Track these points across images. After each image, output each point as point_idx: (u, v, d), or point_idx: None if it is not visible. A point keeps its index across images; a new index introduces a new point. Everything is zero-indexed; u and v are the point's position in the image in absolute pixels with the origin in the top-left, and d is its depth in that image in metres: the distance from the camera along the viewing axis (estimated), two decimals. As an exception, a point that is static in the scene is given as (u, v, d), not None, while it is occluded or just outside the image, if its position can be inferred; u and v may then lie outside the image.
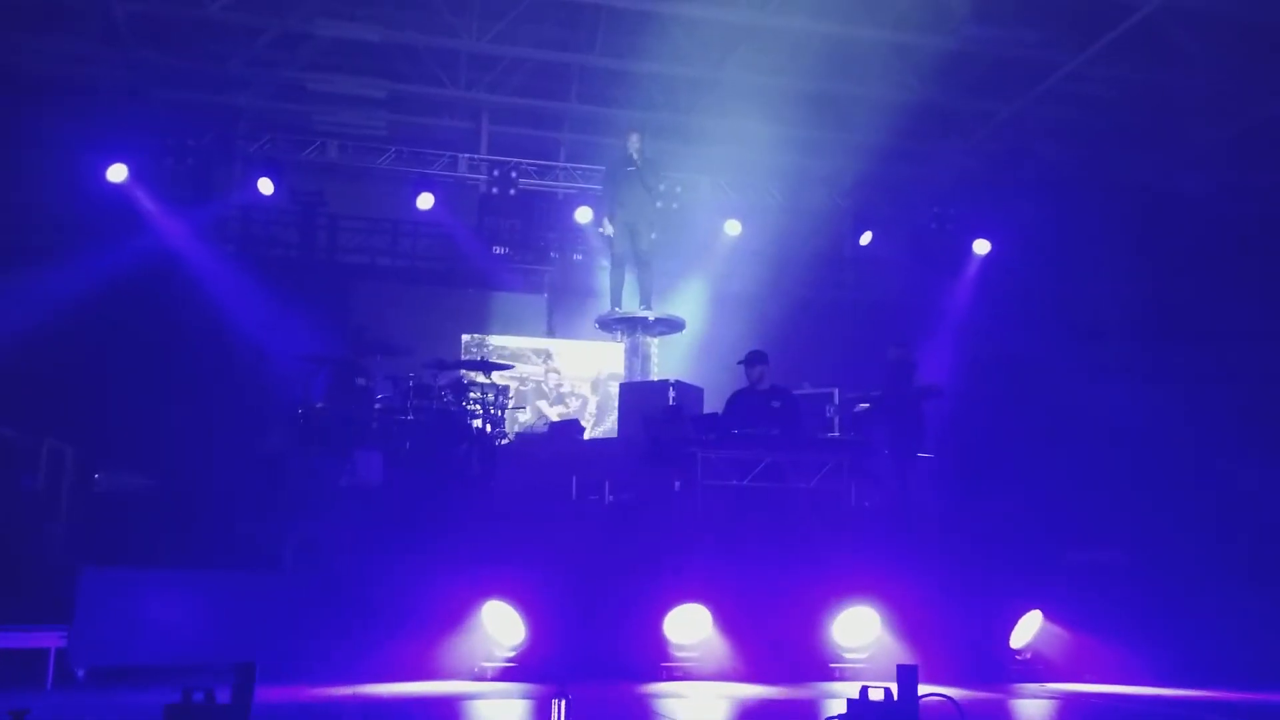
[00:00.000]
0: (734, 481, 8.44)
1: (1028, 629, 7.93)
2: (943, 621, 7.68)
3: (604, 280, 11.61)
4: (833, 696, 6.68)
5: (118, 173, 11.69)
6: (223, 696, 4.08)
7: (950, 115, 12.60)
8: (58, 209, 11.06)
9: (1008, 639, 7.87)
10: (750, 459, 8.49)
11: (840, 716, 4.27)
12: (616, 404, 10.78)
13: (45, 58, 11.05)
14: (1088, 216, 12.54)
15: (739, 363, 9.26)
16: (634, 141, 10.88)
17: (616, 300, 11.18)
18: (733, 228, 13.35)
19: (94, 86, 11.46)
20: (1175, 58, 11.12)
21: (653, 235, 11.21)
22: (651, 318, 11.12)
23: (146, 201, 11.83)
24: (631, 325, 11.26)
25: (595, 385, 13.19)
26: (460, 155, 13.10)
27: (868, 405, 9.92)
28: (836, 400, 10.12)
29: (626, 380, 11.32)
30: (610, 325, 11.46)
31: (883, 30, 10.90)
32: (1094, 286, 12.67)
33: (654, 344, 11.47)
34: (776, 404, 9.00)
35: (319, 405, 9.46)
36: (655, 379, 11.01)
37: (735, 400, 9.17)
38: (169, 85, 11.67)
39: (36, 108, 10.95)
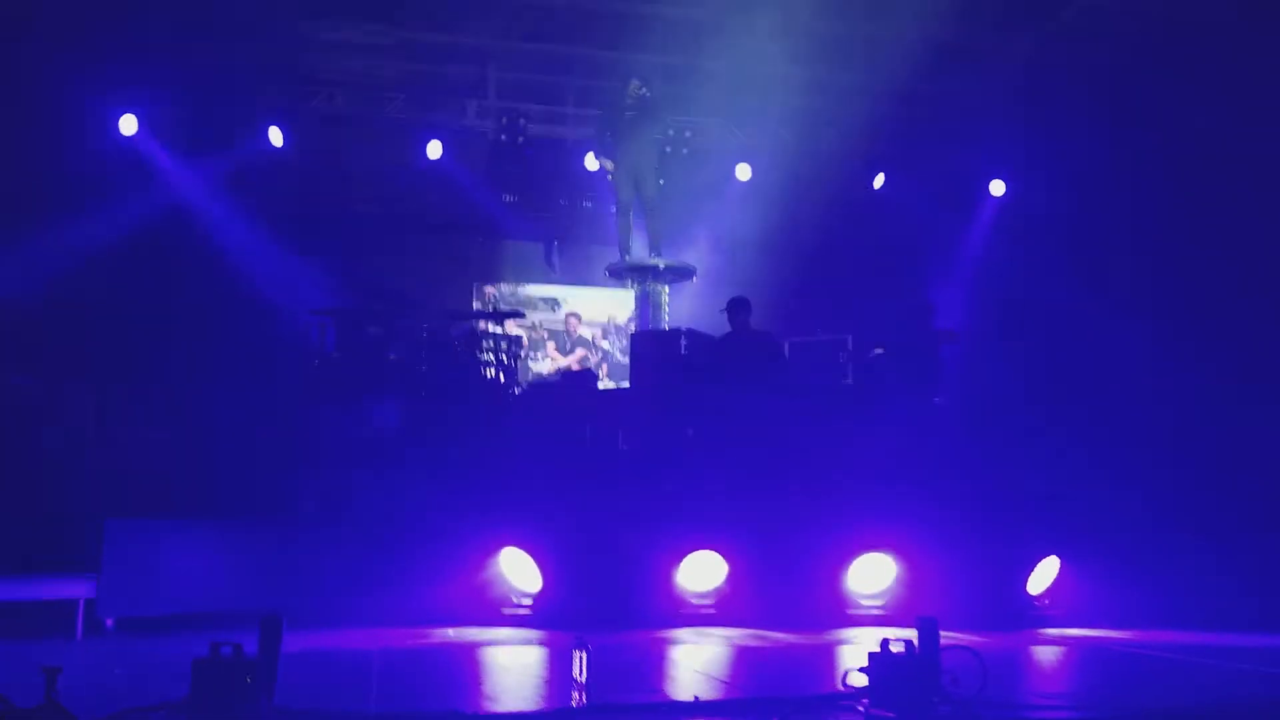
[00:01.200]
0: (744, 428, 8.48)
1: (1045, 575, 7.98)
2: (959, 568, 7.74)
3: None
4: (850, 644, 6.77)
5: (128, 124, 11.65)
6: (250, 649, 4.14)
7: (965, 53, 12.36)
8: (69, 160, 10.98)
9: (1025, 585, 7.92)
10: (762, 406, 8.51)
11: (861, 669, 4.31)
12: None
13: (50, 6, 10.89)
14: (1106, 155, 12.36)
15: (721, 310, 9.27)
16: (634, 87, 10.78)
17: (625, 248, 11.15)
18: (743, 171, 13.25)
19: (99, 37, 11.30)
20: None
21: (660, 181, 11.13)
22: (661, 265, 11.09)
23: (157, 153, 11.78)
24: (642, 273, 11.23)
25: (607, 331, 13.22)
26: (468, 102, 12.97)
27: (881, 351, 9.90)
28: (850, 347, 10.11)
29: (639, 328, 11.32)
30: (620, 273, 11.44)
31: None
32: (1113, 228, 12.53)
33: (665, 291, 11.44)
34: (762, 347, 9.04)
35: (333, 356, 9.50)
36: (667, 327, 11.00)
37: (719, 346, 9.19)
38: (177, 35, 11.50)
39: (43, 59, 10.84)
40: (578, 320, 13.60)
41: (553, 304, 13.41)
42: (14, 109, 10.66)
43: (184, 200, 11.80)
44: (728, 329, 9.20)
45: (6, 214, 10.39)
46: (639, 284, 11.43)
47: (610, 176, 11.24)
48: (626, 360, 11.40)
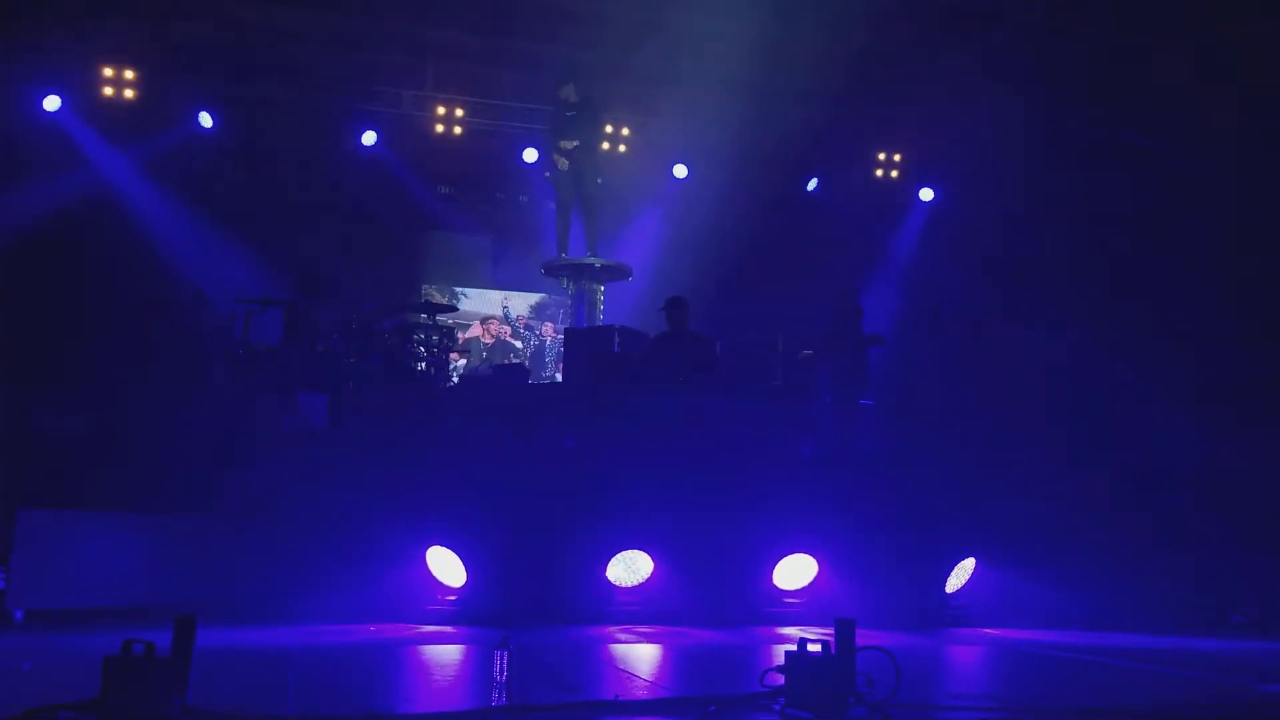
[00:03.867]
0: (673, 428, 8.54)
1: (962, 575, 8.15)
2: (879, 567, 7.87)
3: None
4: (772, 642, 6.86)
5: (52, 103, 11.38)
6: (164, 647, 4.07)
7: (899, 62, 12.56)
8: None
9: (943, 585, 8.08)
10: (692, 406, 8.58)
11: (777, 668, 4.38)
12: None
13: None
14: (1032, 165, 12.66)
15: (659, 309, 9.33)
16: (568, 90, 10.85)
17: (562, 246, 11.16)
18: (680, 171, 13.31)
19: (27, 14, 11.00)
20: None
21: (599, 180, 11.17)
22: (598, 264, 11.11)
23: (82, 134, 11.51)
24: (578, 272, 11.24)
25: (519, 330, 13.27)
26: (404, 92, 12.85)
27: (810, 353, 10.02)
28: (780, 348, 10.21)
29: (573, 325, 11.33)
30: (556, 271, 11.43)
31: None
32: (1037, 236, 12.84)
33: (600, 290, 11.47)
34: (698, 347, 9.12)
35: (261, 346, 9.35)
36: (601, 324, 11.03)
37: (656, 344, 9.25)
38: (106, 14, 11.24)
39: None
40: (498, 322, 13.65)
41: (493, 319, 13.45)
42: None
43: (109, 183, 11.58)
44: (664, 328, 9.26)
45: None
46: (573, 283, 11.43)
47: (548, 174, 11.25)
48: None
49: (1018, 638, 7.48)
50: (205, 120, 12.02)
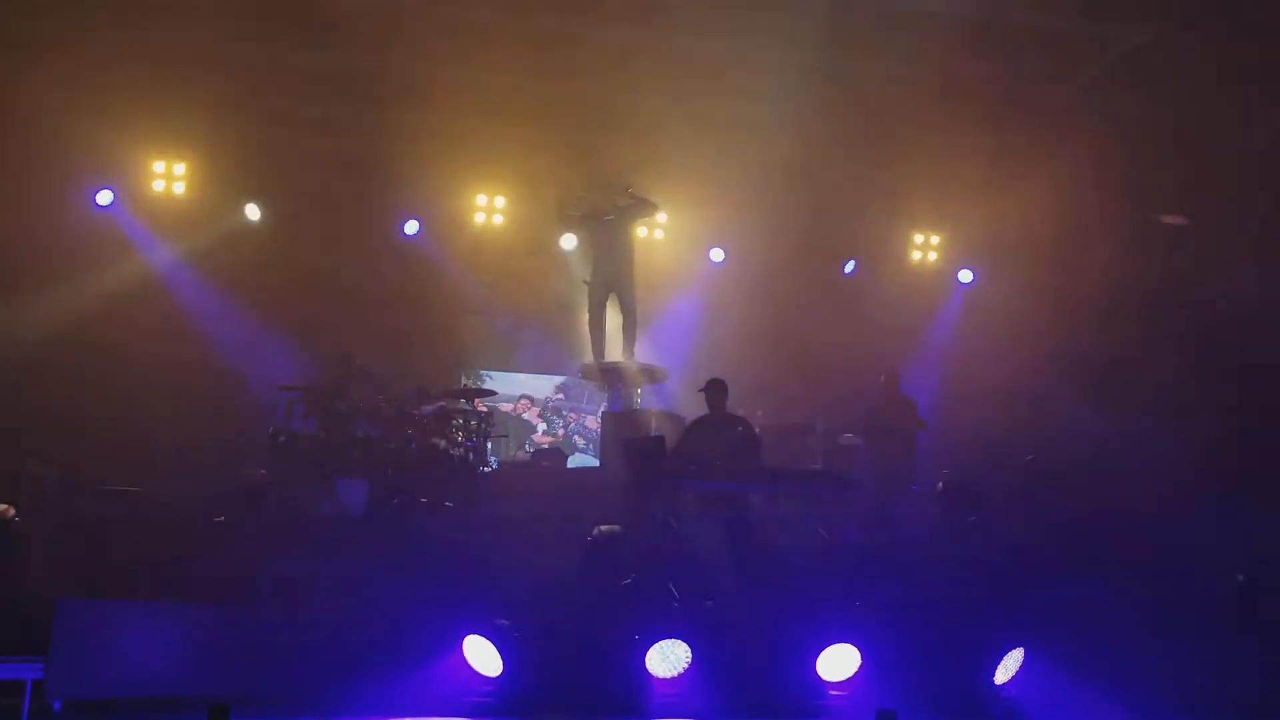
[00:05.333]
0: (715, 514, 8.43)
1: (1011, 666, 7.91)
2: (925, 657, 7.66)
3: (584, 321, 11.46)
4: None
5: (104, 197, 11.73)
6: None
7: (931, 145, 12.64)
8: (43, 233, 11.03)
9: (991, 676, 7.84)
10: (732, 491, 8.48)
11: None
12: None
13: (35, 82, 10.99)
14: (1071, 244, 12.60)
15: (699, 390, 9.27)
16: (608, 191, 10.88)
17: (598, 350, 11.10)
18: (716, 255, 13.39)
19: (82, 110, 11.40)
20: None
21: (634, 289, 11.14)
22: (636, 369, 11.01)
23: (132, 227, 11.83)
24: (615, 376, 11.18)
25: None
26: (446, 181, 13.07)
27: (853, 436, 9.94)
28: (819, 431, 10.13)
29: (610, 408, 11.30)
30: (593, 376, 11.41)
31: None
32: (1081, 316, 12.71)
33: (637, 390, 11.37)
34: (738, 430, 9.02)
35: (300, 433, 9.43)
36: (638, 408, 10.99)
37: (695, 427, 9.16)
38: (153, 111, 11.61)
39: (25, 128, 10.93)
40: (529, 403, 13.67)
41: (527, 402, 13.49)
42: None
43: (156, 275, 11.83)
44: (699, 411, 9.19)
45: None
46: (610, 387, 11.39)
47: (585, 280, 11.26)
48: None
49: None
50: (251, 212, 12.32)
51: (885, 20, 10.52)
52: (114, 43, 10.64)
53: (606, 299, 11.06)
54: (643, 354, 11.24)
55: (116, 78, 10.75)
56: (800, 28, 10.30)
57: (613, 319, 11.16)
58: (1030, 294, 12.69)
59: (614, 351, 11.08)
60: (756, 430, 9.26)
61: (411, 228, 12.82)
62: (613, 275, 10.97)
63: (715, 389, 9.15)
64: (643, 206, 11.10)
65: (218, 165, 12.25)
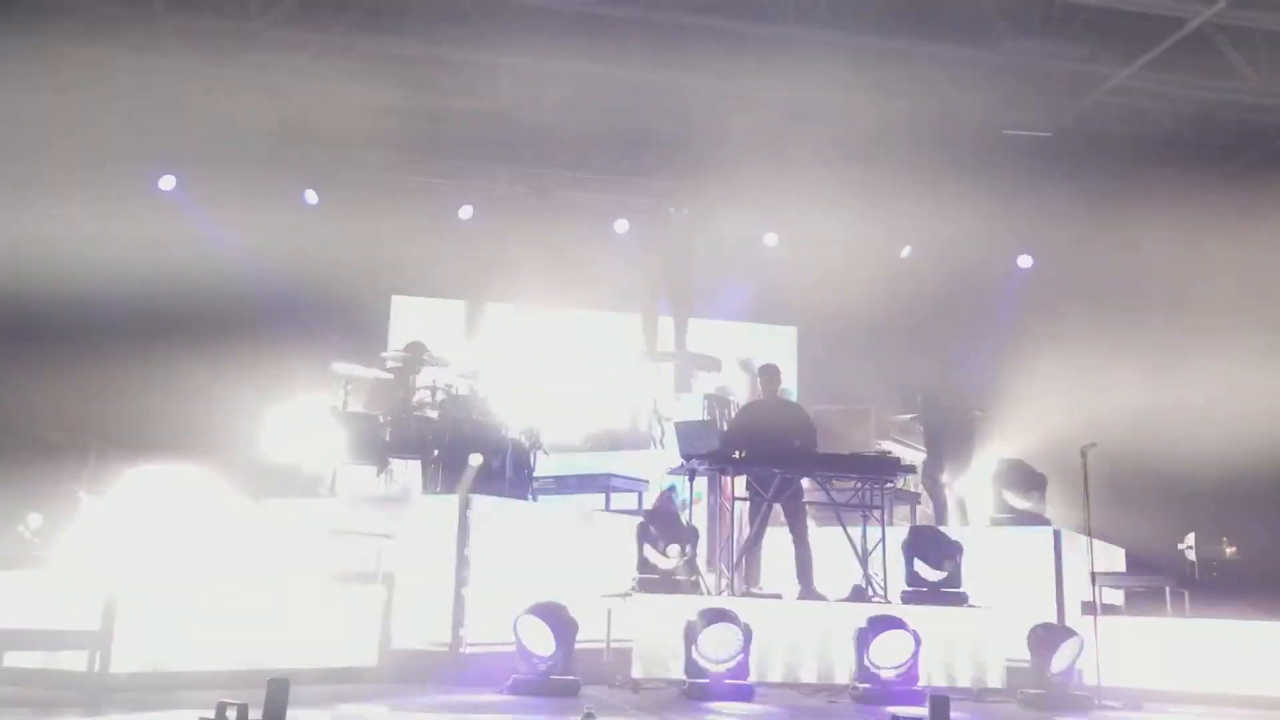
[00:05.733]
0: (767, 497, 8.44)
1: (1069, 654, 7.81)
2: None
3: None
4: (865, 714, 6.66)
5: (167, 182, 11.96)
6: (256, 712, 4.12)
7: (992, 129, 12.49)
8: (110, 218, 11.25)
9: (1048, 662, 7.76)
10: (788, 475, 8.47)
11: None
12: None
13: (97, 66, 11.21)
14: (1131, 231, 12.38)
15: (755, 376, 9.27)
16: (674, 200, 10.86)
17: (650, 341, 11.14)
18: (770, 239, 13.34)
19: (144, 95, 11.60)
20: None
21: (688, 288, 11.12)
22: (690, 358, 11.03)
23: (193, 209, 12.05)
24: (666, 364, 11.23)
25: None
26: (499, 166, 13.16)
27: (910, 418, 9.87)
28: (874, 418, 10.08)
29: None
30: (649, 365, 11.47)
31: (920, 42, 10.85)
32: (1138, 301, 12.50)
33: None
34: (792, 415, 8.98)
35: (358, 413, 9.57)
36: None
37: (747, 411, 9.15)
38: (216, 96, 11.80)
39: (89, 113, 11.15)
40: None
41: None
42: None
43: (218, 257, 12.03)
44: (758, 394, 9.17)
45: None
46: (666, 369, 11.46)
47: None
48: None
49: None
50: (311, 197, 12.50)
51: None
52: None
53: (659, 296, 11.12)
54: (695, 342, 11.28)
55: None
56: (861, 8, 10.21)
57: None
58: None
59: (667, 341, 11.15)
60: (810, 415, 9.22)
61: (465, 212, 12.93)
62: (671, 269, 11.05)
63: (768, 373, 9.14)
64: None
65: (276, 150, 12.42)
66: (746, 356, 11.00)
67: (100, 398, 10.37)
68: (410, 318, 12.96)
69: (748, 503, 8.76)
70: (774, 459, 8.38)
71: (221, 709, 4.08)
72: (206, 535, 8.65)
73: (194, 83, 11.34)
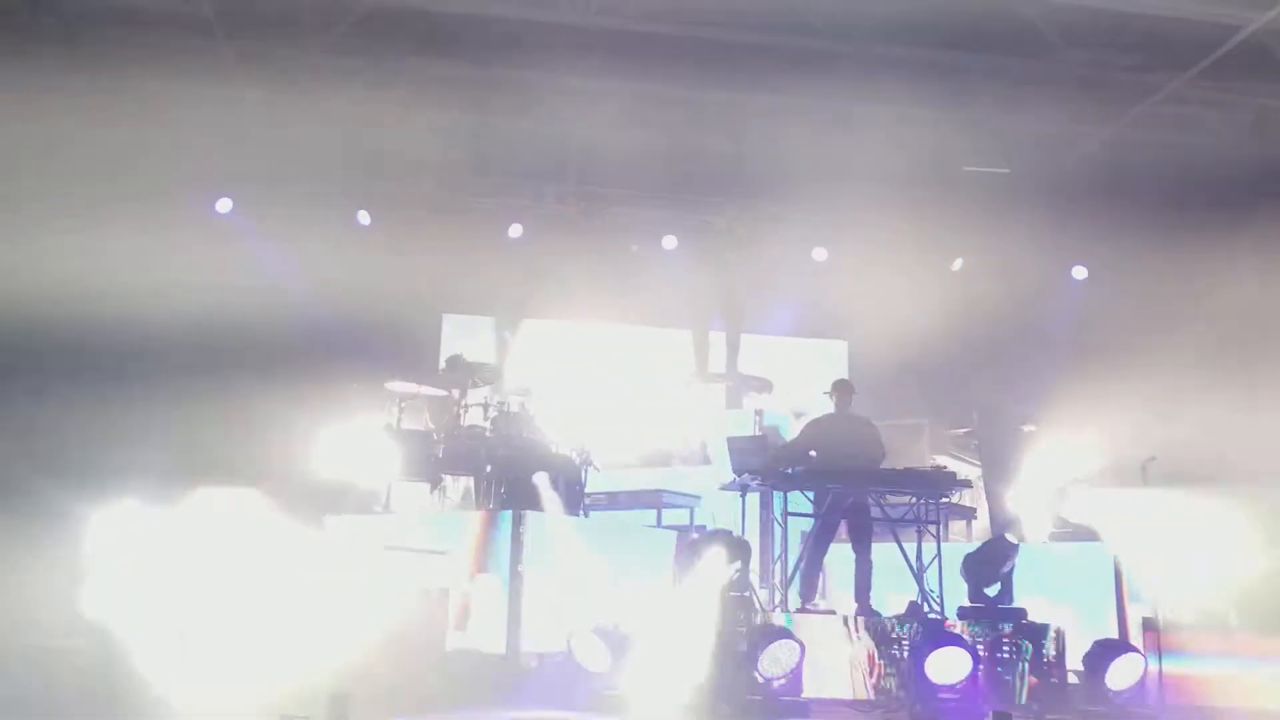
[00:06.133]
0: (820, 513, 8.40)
1: (1128, 672, 7.68)
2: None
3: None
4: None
5: (224, 205, 12.19)
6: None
7: (1046, 142, 12.38)
8: (169, 243, 11.48)
9: (1102, 678, 7.64)
10: (839, 490, 8.43)
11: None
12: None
13: (158, 95, 11.45)
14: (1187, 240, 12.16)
15: (824, 393, 9.21)
16: (725, 219, 10.86)
17: (702, 365, 11.12)
18: (819, 254, 13.29)
19: (202, 121, 11.83)
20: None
21: (738, 309, 11.11)
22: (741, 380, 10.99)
23: (249, 231, 12.25)
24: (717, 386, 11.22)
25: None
26: (547, 186, 13.24)
27: (965, 431, 9.79)
28: (928, 432, 9.99)
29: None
30: (700, 386, 11.47)
31: (971, 55, 10.79)
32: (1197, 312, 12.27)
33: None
34: (862, 431, 8.92)
35: (412, 431, 9.68)
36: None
37: (813, 426, 9.10)
38: (272, 121, 11.99)
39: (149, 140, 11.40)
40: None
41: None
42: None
43: (271, 278, 12.21)
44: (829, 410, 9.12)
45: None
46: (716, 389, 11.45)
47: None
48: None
49: None
50: (363, 218, 12.68)
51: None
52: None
53: (709, 319, 11.11)
54: (746, 360, 11.24)
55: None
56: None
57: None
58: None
59: (718, 359, 11.12)
60: (879, 431, 9.14)
61: (515, 231, 13.04)
62: (721, 290, 11.04)
63: (841, 388, 9.10)
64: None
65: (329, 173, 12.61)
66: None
67: (161, 422, 10.58)
68: (460, 335, 13.07)
69: (804, 518, 8.70)
70: (828, 474, 8.33)
71: (284, 721, 4.14)
72: (266, 554, 8.85)
73: (251, 108, 11.55)
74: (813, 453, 8.40)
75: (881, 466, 8.68)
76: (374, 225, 12.79)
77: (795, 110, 11.84)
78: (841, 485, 8.36)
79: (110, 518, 8.10)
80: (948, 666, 7.57)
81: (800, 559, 8.55)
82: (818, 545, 8.63)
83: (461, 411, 9.80)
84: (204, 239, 12.00)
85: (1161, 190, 12.48)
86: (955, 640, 7.53)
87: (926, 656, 7.46)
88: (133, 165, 11.37)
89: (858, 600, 8.51)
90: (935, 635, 7.56)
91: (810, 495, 8.57)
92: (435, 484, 9.80)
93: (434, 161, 12.61)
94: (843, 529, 8.69)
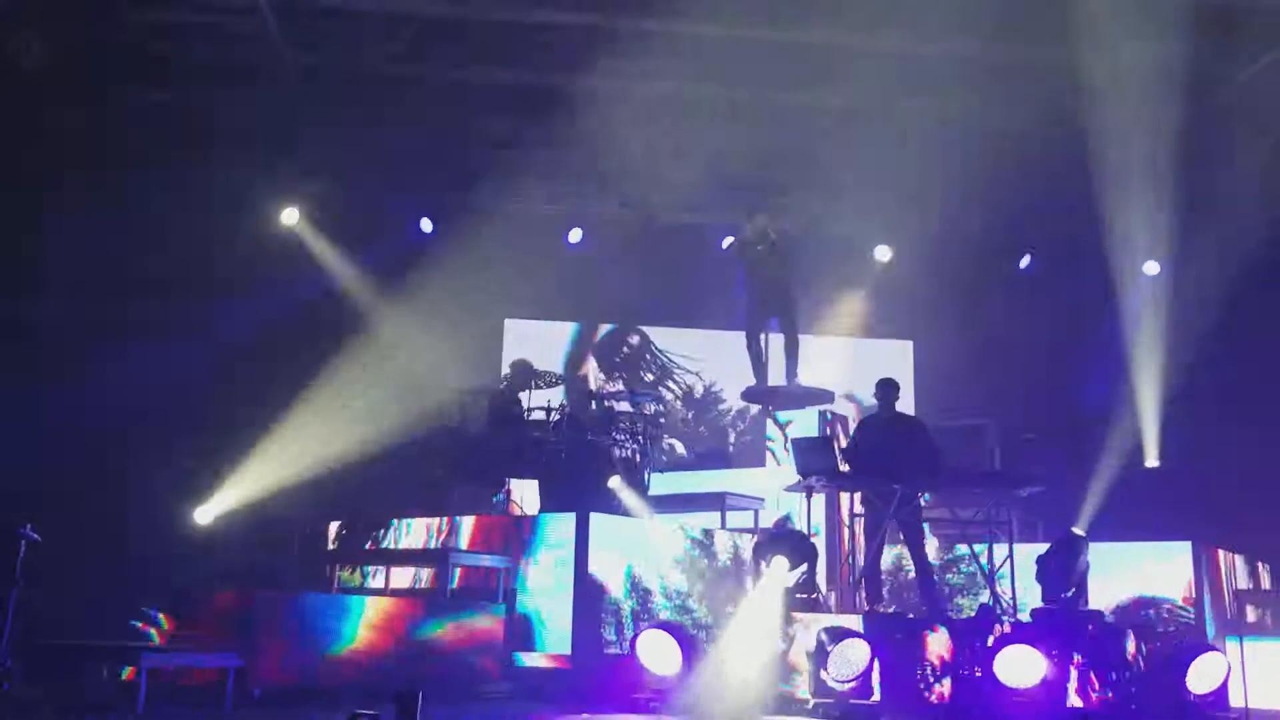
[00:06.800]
0: (883, 514, 8.32)
1: (1211, 675, 7.47)
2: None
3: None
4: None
5: (289, 216, 12.39)
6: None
7: (1111, 134, 12.09)
8: (237, 249, 11.69)
9: (1184, 679, 7.43)
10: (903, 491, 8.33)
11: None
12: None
13: (221, 108, 11.67)
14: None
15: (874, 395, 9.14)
16: (758, 223, 10.80)
17: (759, 374, 11.02)
18: (882, 253, 13.15)
19: (263, 132, 12.00)
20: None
21: (793, 315, 11.00)
22: (800, 391, 10.88)
23: (314, 241, 12.44)
24: (777, 397, 11.08)
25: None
26: (605, 192, 13.24)
27: (1033, 437, 9.62)
28: (995, 432, 9.84)
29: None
30: (758, 397, 11.38)
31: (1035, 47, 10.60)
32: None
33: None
34: (909, 430, 8.82)
35: (476, 434, 9.77)
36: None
37: (863, 427, 9.04)
38: (335, 128, 12.14)
39: (208, 155, 11.62)
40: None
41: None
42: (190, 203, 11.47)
43: (337, 289, 12.39)
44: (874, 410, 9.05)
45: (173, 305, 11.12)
46: (774, 409, 11.34)
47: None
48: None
49: None
50: (426, 226, 12.81)
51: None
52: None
53: (762, 326, 11.00)
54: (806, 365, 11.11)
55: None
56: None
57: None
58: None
59: (777, 374, 11.00)
60: (929, 430, 9.03)
61: (575, 235, 13.10)
62: (766, 304, 10.92)
63: (885, 387, 9.02)
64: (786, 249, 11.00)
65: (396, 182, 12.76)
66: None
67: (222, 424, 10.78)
68: (521, 340, 13.18)
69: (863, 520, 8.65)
70: (890, 474, 8.25)
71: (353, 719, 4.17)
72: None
73: (313, 118, 11.71)
74: (844, 466, 8.32)
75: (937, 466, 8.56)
76: (437, 232, 12.90)
77: (855, 108, 11.67)
78: (907, 485, 8.26)
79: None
80: (1021, 669, 7.44)
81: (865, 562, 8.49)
82: (871, 548, 8.56)
83: (525, 414, 9.84)
84: (272, 248, 12.22)
85: (1229, 181, 12.09)
86: (1029, 642, 7.38)
87: (998, 659, 7.33)
88: (202, 174, 11.60)
89: (925, 603, 8.39)
90: (1008, 638, 7.42)
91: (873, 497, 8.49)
92: (499, 487, 9.87)
93: (495, 168, 12.67)
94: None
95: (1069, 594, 7.94)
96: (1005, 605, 7.99)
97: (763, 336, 11.04)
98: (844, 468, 8.41)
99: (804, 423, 10.38)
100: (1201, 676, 7.39)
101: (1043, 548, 8.34)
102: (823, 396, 11.00)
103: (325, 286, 12.34)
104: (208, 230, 11.58)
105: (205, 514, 9.98)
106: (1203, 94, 11.24)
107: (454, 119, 12.12)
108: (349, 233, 12.63)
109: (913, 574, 8.81)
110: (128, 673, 6.72)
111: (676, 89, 11.74)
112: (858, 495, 8.94)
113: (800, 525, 9.04)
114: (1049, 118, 11.45)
